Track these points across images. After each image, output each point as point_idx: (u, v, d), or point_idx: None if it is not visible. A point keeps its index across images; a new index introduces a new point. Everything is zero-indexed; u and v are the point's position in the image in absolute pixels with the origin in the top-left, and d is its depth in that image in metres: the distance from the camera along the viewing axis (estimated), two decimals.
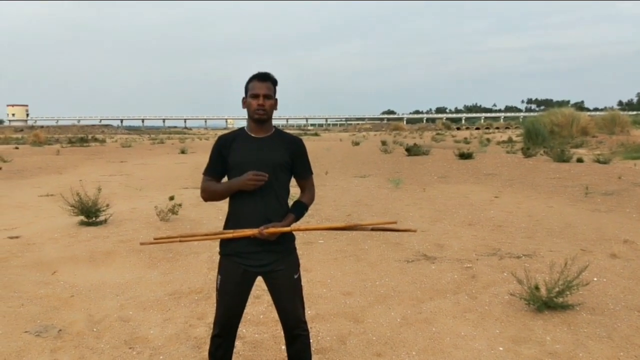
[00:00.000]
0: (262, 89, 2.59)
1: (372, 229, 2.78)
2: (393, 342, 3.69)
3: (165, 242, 2.85)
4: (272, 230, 2.53)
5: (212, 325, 3.97)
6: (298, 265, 2.78)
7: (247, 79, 2.68)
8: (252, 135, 2.67)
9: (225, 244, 2.67)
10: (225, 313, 2.72)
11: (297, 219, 2.67)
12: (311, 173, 2.79)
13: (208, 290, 4.83)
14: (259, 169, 2.55)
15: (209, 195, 2.71)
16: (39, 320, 4.12)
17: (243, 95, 2.66)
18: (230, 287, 2.66)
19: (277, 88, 2.68)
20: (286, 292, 2.71)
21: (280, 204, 2.66)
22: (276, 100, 2.68)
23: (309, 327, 2.82)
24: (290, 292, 2.72)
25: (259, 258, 2.62)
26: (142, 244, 3.03)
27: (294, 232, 2.69)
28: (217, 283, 2.73)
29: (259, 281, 2.75)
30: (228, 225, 2.69)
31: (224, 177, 2.71)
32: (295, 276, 2.73)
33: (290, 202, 2.75)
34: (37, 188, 12.72)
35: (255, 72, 2.66)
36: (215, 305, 2.77)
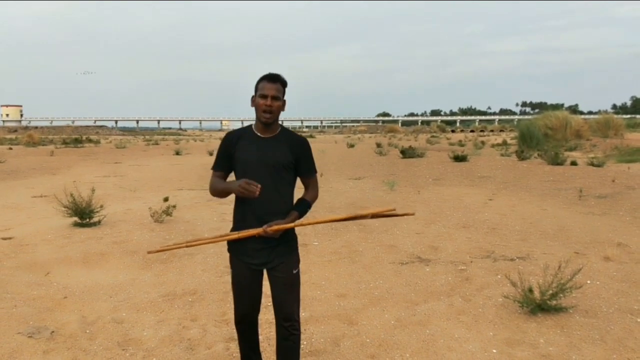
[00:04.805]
0: (271, 90, 2.65)
1: (373, 217, 2.81)
2: (387, 344, 3.69)
3: (173, 249, 2.87)
4: (275, 227, 2.61)
5: (206, 327, 4.01)
6: (298, 262, 2.87)
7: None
8: (258, 134, 2.74)
9: (231, 242, 2.79)
10: (241, 302, 2.87)
11: (300, 216, 2.75)
12: (315, 172, 2.86)
13: (202, 291, 4.82)
14: (258, 169, 2.64)
15: (212, 191, 2.82)
16: (32, 321, 4.10)
17: (252, 94, 2.71)
18: (241, 281, 2.81)
19: (287, 89, 2.73)
20: (284, 285, 2.80)
21: (283, 202, 2.73)
22: (284, 101, 2.73)
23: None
24: (287, 286, 2.81)
25: (262, 256, 2.73)
26: (149, 252, 3.06)
27: (296, 232, 2.78)
28: (231, 277, 2.87)
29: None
30: (235, 222, 2.79)
31: (231, 172, 2.81)
32: (294, 271, 2.82)
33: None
34: (30, 189, 12.66)
35: (266, 72, 2.71)
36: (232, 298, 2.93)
